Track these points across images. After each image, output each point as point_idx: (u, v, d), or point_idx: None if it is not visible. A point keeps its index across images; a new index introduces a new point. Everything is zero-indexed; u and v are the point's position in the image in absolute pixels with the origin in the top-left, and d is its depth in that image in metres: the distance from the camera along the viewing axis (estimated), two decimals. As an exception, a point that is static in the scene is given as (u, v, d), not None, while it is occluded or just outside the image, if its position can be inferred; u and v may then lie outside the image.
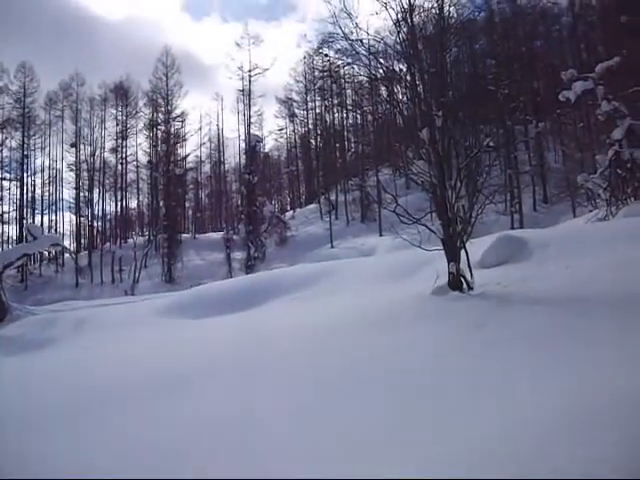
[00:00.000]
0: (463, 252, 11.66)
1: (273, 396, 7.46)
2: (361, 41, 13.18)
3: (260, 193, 56.44)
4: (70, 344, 18.51)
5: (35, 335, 20.73)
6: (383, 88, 14.39)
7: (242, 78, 61.03)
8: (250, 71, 60.24)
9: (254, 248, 50.27)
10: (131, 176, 67.91)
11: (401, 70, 13.71)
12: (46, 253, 57.24)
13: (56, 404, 9.99)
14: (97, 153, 65.74)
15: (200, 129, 70.20)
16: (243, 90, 62.01)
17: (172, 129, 63.72)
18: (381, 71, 13.78)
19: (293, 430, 5.98)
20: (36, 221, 61.12)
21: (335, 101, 65.01)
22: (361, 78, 17.80)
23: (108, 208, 67.52)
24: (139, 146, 67.56)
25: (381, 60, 13.60)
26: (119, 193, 66.71)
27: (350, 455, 4.92)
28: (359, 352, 8.44)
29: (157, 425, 7.38)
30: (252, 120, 62.21)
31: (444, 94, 12.57)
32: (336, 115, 67.63)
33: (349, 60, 14.68)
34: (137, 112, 67.29)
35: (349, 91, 60.03)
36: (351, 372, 7.55)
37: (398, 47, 13.26)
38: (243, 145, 63.56)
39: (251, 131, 60.27)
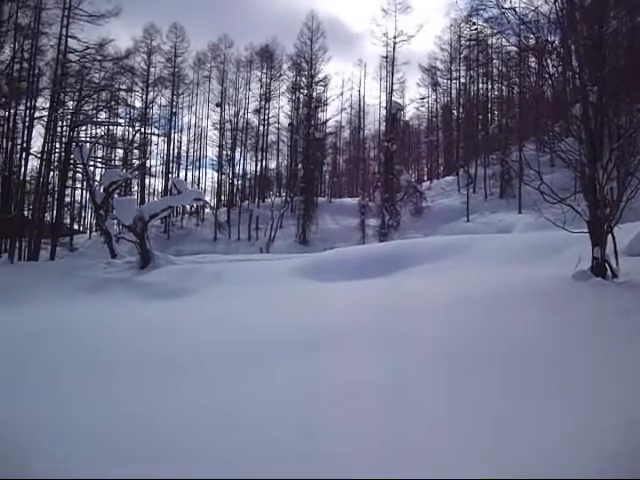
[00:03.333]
0: (609, 237, 11.15)
1: (395, 367, 7.46)
2: (514, 9, 12.76)
3: (398, 161, 56.05)
4: (207, 295, 19.33)
5: (175, 284, 21.79)
6: (533, 59, 13.88)
7: (386, 45, 60.63)
8: (395, 38, 59.67)
9: (389, 216, 50.19)
10: (272, 137, 69.27)
11: (554, 41, 13.16)
12: (188, 207, 59.76)
13: (171, 353, 10.47)
14: (241, 113, 67.44)
15: (341, 94, 70.49)
16: (387, 57, 61.58)
17: (314, 93, 64.06)
18: (532, 42, 13.29)
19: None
20: (181, 176, 63.83)
21: (480, 71, 63.13)
22: (510, 48, 17.24)
23: (248, 167, 69.35)
24: (281, 108, 68.59)
25: (533, 30, 13.11)
26: (259, 153, 68.15)
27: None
28: (497, 331, 8.27)
29: (270, 385, 7.56)
30: (394, 88, 61.69)
31: (601, 69, 11.95)
32: (481, 86, 65.65)
33: (499, 29, 14.26)
34: (281, 75, 68.19)
35: (496, 62, 58.64)
36: (480, 350, 7.42)
37: (553, 17, 12.71)
38: (384, 112, 63.42)
39: (392, 99, 59.80)
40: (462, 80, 65.78)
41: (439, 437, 4.91)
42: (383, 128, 61.64)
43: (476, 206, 50.98)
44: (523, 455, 4.29)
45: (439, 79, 68.75)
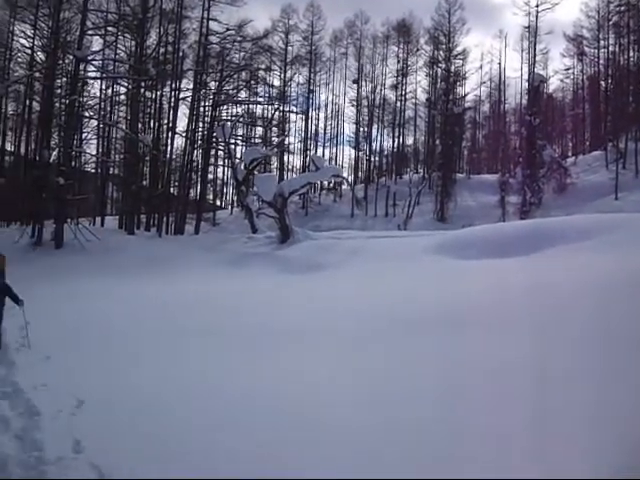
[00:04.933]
0: None
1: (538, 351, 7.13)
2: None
3: (540, 136, 53.65)
4: (344, 271, 19.43)
5: (313, 259, 22.07)
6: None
7: (528, 14, 57.92)
8: (537, 6, 56.87)
9: (530, 193, 48.30)
10: (409, 113, 68.48)
11: None
12: (326, 183, 60.34)
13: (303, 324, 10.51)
14: (377, 90, 67.05)
15: (481, 68, 68.59)
16: (529, 27, 58.97)
17: (452, 67, 62.58)
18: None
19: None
20: (318, 153, 64.34)
21: (632, 39, 59.23)
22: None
23: (385, 144, 69.13)
24: (418, 84, 67.65)
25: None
26: (396, 129, 67.50)
27: None
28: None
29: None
30: (536, 59, 59.32)
31: None
32: (632, 55, 61.70)
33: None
34: (418, 50, 67.12)
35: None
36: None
37: None
38: (525, 85, 60.97)
39: (535, 70, 57.47)
40: (611, 49, 62.01)
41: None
42: (525, 101, 59.14)
43: (626, 183, 48.01)
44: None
45: (585, 48, 65.11)
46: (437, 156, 59.21)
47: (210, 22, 38.70)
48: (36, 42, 38.77)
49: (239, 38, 42.63)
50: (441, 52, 63.59)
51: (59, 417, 6.75)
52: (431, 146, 63.99)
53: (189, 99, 39.41)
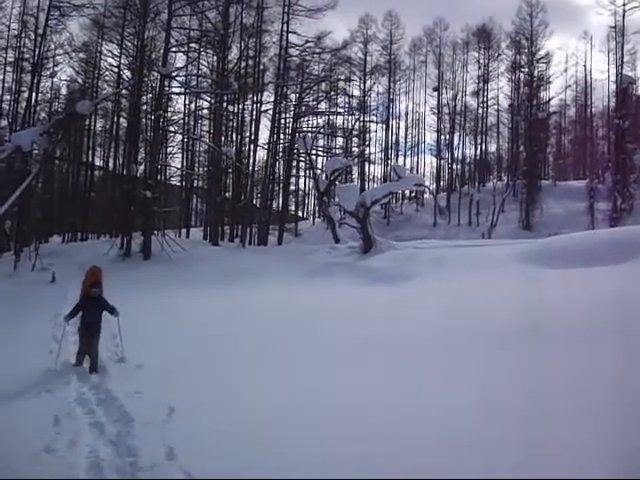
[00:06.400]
0: None
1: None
2: None
3: (631, 139, 51.82)
4: (428, 280, 19.19)
5: (397, 269, 21.90)
6: None
7: (614, 13, 56.08)
8: (624, 5, 55.11)
9: (621, 199, 46.59)
10: (491, 120, 67.14)
11: None
12: (408, 192, 59.97)
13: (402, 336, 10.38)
14: (458, 97, 66.01)
15: (565, 71, 66.67)
16: (615, 27, 57.08)
17: (535, 71, 61.08)
18: None
19: None
20: (399, 162, 63.97)
21: None
22: None
23: (467, 151, 68.08)
24: (500, 89, 66.26)
25: None
26: (479, 137, 66.46)
27: None
28: None
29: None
30: (624, 60, 57.40)
31: None
32: None
33: None
34: (499, 55, 65.82)
35: None
36: None
37: None
38: (613, 87, 59.10)
39: (623, 72, 55.65)
40: None
41: None
42: (613, 104, 57.37)
43: None
44: None
45: (677, 47, 62.67)
46: (521, 163, 57.90)
47: (289, 35, 39.34)
48: (122, 60, 40.42)
49: (318, 50, 43.10)
50: (523, 56, 62.13)
51: (152, 424, 6.84)
52: (515, 153, 62.56)
53: (270, 111, 40.04)
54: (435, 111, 66.40)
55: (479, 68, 66.05)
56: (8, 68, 37.99)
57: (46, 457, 6.04)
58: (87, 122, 42.43)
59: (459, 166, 68.11)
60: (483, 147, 67.47)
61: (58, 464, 5.85)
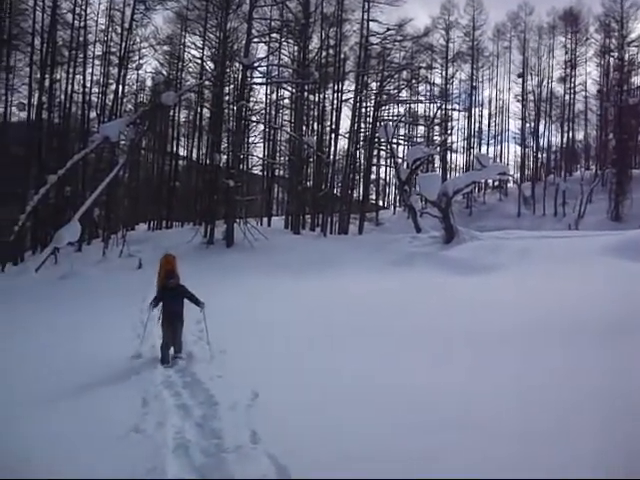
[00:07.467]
0: None
1: None
2: None
3: None
4: (513, 272, 18.73)
5: (479, 259, 21.46)
6: None
7: None
8: None
9: None
10: (579, 106, 65.27)
11: None
12: (491, 182, 58.90)
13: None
14: (544, 83, 64.53)
15: (661, 53, 63.95)
16: None
17: (626, 55, 58.89)
18: None
19: None
20: (482, 151, 62.96)
21: None
22: None
23: (553, 140, 66.55)
24: (588, 75, 64.44)
25: None
26: (565, 124, 64.64)
27: None
28: None
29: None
30: None
31: None
32: None
33: None
34: (587, 39, 63.87)
35: None
36: None
37: None
38: None
39: None
40: None
41: None
42: None
43: None
44: None
45: None
46: (610, 151, 56.07)
47: (370, 23, 39.03)
48: (205, 52, 41.14)
49: (399, 37, 42.60)
50: (613, 40, 60.10)
51: (236, 408, 6.94)
52: (604, 141, 60.51)
53: (351, 100, 39.88)
54: (519, 98, 65.19)
55: (566, 53, 64.37)
56: (96, 62, 39.49)
57: (135, 437, 6.26)
58: (171, 113, 43.47)
59: (544, 155, 66.39)
60: (570, 135, 65.68)
61: (146, 443, 6.05)
